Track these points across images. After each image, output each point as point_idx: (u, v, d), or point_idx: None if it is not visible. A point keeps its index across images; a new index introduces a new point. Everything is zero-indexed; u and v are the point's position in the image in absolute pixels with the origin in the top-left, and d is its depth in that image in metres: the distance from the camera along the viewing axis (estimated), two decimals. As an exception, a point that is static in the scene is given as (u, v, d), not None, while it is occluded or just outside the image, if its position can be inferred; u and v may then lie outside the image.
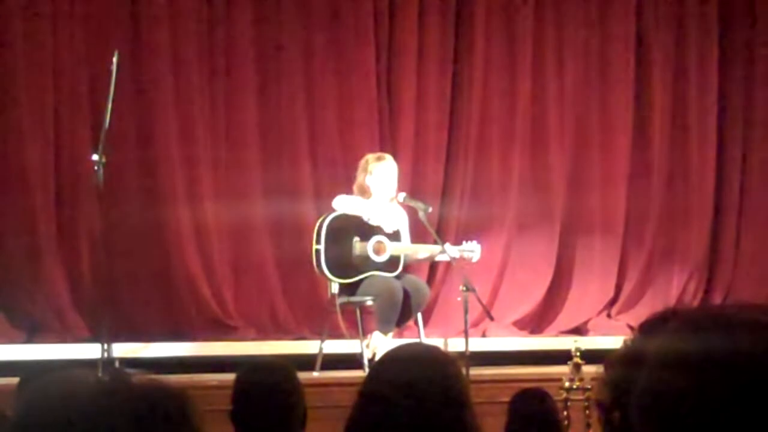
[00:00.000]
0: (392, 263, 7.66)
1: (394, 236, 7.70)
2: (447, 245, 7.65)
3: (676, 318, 1.53)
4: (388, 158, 7.83)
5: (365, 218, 7.61)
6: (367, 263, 7.60)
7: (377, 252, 7.62)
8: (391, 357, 2.83)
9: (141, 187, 8.51)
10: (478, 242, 7.74)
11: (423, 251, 7.92)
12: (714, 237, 9.71)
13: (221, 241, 8.66)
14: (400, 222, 7.80)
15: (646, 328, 1.90)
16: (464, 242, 7.78)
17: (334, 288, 7.62)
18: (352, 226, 7.62)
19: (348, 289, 7.58)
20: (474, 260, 7.72)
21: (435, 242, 7.70)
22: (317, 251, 7.55)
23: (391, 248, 7.65)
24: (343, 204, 7.67)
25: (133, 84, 8.41)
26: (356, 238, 7.60)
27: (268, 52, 8.86)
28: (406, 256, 7.75)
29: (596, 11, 9.50)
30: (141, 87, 8.53)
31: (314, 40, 8.95)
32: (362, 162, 7.82)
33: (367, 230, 7.64)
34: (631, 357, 1.75)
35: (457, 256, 7.63)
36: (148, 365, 7.70)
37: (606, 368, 1.90)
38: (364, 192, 7.74)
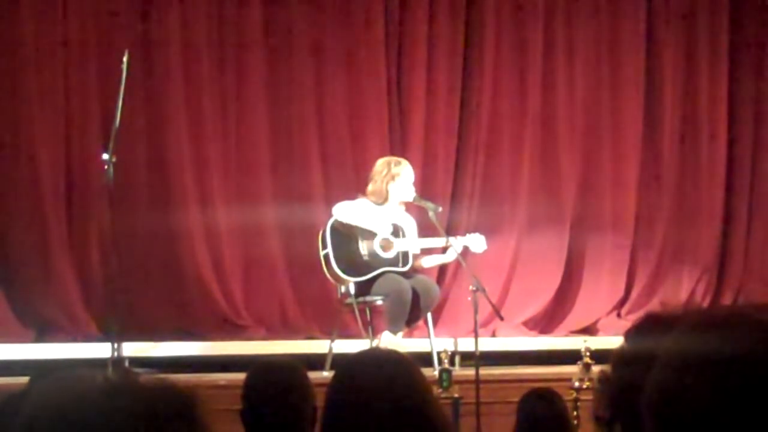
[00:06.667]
0: (402, 258, 7.66)
1: (399, 235, 7.70)
2: (452, 238, 7.65)
3: (685, 319, 1.52)
4: (407, 162, 7.82)
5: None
6: (377, 260, 7.60)
7: (384, 249, 7.62)
8: (354, 362, 2.88)
9: (151, 186, 8.53)
10: (488, 242, 7.75)
11: (428, 243, 7.83)
12: (724, 238, 9.68)
13: (231, 240, 8.67)
14: (409, 227, 7.79)
15: (634, 334, 1.90)
16: (467, 234, 7.80)
17: (347, 288, 7.61)
18: (356, 227, 7.63)
19: (362, 288, 7.58)
20: (479, 251, 7.71)
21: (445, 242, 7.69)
22: (326, 256, 7.56)
23: (398, 244, 7.64)
24: (344, 214, 7.65)
25: (143, 84, 8.45)
26: (361, 239, 7.60)
27: (279, 53, 8.87)
28: (414, 259, 7.74)
29: (606, 13, 9.47)
30: (151, 87, 8.56)
31: (324, 42, 8.96)
32: (380, 167, 7.76)
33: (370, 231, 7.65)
34: (629, 363, 1.74)
35: (464, 243, 7.62)
36: (157, 364, 7.73)
37: (601, 381, 1.89)
38: (380, 197, 7.70)
